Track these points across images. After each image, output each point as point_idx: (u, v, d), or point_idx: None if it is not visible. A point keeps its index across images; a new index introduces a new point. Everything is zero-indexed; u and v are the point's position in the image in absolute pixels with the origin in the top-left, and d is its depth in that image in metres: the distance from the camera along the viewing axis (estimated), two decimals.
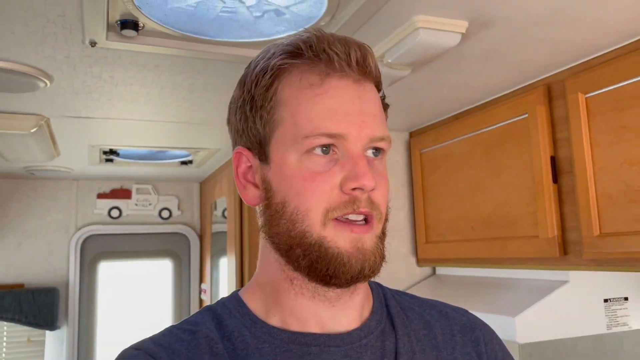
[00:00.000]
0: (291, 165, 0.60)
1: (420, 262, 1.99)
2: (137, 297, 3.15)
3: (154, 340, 0.61)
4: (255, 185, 0.64)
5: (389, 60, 1.17)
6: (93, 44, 1.12)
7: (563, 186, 1.37)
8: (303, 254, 0.59)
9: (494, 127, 1.57)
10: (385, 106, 0.67)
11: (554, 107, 1.39)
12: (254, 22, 1.15)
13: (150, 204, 3.17)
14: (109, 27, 1.08)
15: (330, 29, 1.11)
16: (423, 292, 1.91)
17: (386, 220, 0.63)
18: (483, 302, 1.54)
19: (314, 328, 0.62)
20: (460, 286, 1.80)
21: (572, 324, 1.43)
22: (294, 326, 0.62)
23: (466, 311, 0.75)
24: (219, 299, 0.69)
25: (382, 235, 0.62)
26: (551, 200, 1.37)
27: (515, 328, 1.34)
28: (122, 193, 3.13)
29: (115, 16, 1.05)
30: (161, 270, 3.21)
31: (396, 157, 2.04)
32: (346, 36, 0.62)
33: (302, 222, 0.59)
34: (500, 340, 0.74)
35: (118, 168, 2.69)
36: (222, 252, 2.65)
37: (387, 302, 0.70)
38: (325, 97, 0.59)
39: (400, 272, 1.99)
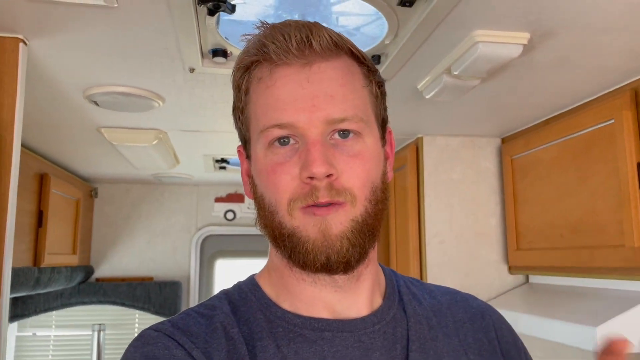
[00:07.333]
0: (260, 159, 0.60)
1: (512, 269, 1.97)
2: None
3: (172, 322, 0.61)
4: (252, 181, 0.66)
5: (455, 73, 1.22)
6: (192, 70, 1.31)
7: None
8: (283, 245, 0.60)
9: (581, 132, 1.53)
10: (369, 75, 0.63)
11: None
12: None
13: None
14: (203, 55, 1.25)
15: (394, 47, 1.19)
16: (514, 300, 1.89)
17: (374, 202, 0.59)
18: (566, 310, 1.51)
19: (323, 313, 0.62)
20: (548, 295, 1.76)
21: None
22: (303, 311, 0.62)
23: (475, 297, 0.74)
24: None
25: (362, 220, 0.58)
26: (637, 207, 1.32)
27: (596, 338, 1.31)
28: (236, 197, 3.40)
29: (208, 46, 1.22)
30: None
31: (487, 164, 2.04)
32: (290, 22, 0.60)
33: (277, 213, 0.59)
34: (509, 324, 0.74)
35: (232, 174, 2.94)
36: None
37: (399, 289, 0.69)
38: (274, 88, 0.59)
39: (491, 279, 1.98)
